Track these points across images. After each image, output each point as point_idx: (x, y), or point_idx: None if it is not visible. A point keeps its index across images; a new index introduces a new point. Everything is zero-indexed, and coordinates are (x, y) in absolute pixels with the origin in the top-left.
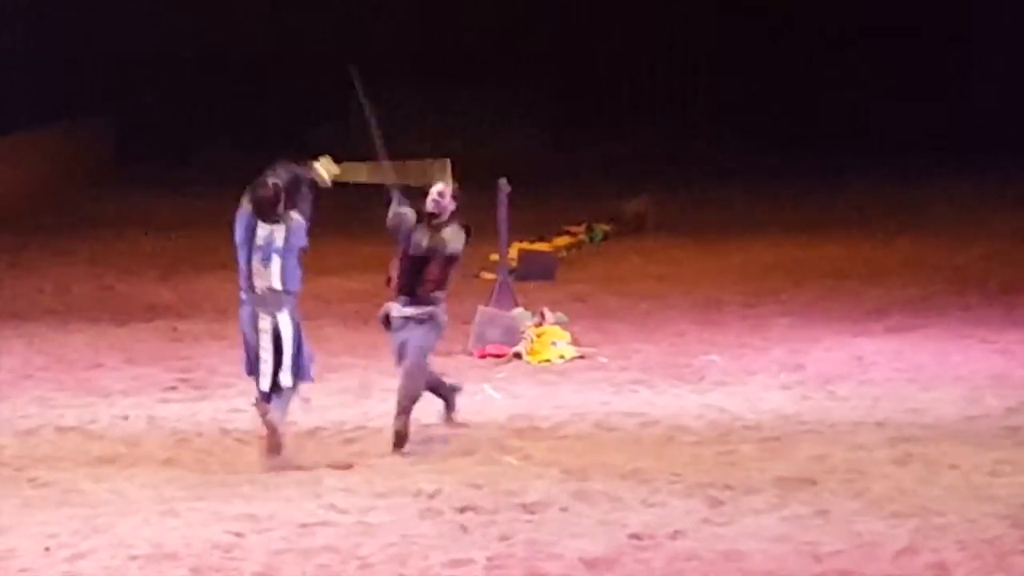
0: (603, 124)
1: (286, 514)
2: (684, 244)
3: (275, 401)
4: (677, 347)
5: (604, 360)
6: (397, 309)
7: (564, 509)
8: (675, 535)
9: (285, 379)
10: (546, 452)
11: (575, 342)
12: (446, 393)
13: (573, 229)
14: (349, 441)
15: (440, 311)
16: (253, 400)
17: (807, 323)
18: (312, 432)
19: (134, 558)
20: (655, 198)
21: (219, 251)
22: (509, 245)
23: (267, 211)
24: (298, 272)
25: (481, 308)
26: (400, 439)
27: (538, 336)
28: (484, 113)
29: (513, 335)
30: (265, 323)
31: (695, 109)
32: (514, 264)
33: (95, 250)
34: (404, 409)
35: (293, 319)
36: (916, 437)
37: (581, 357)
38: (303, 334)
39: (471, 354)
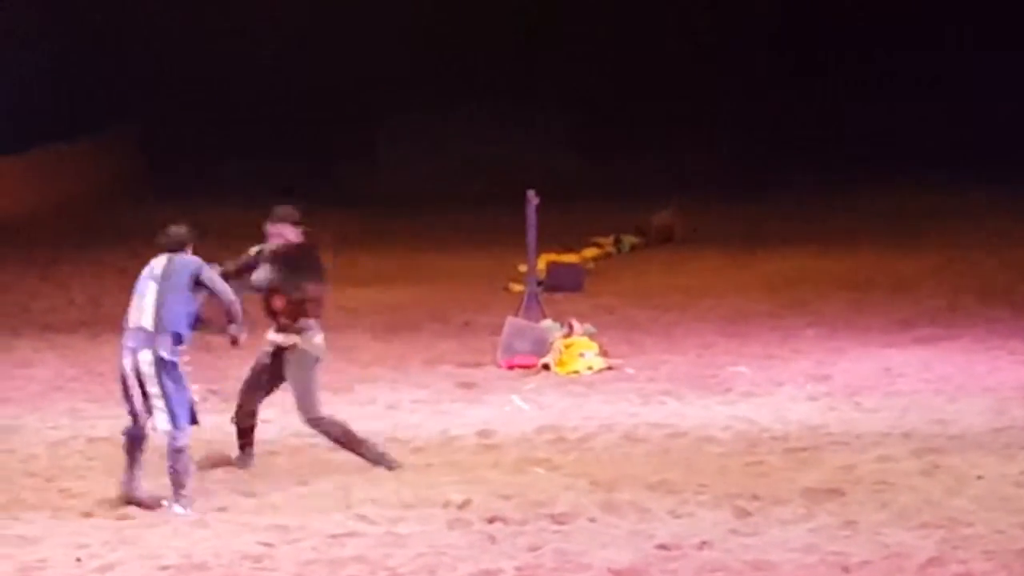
0: (631, 136)
1: (316, 525)
2: (711, 256)
3: (171, 465)
4: (704, 358)
5: (632, 371)
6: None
7: (592, 520)
8: (703, 546)
9: (160, 422)
10: (574, 463)
11: (603, 353)
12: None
13: (601, 241)
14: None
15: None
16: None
17: (834, 334)
18: None
19: (164, 568)
20: (683, 210)
21: None
22: (537, 257)
23: (167, 249)
24: (181, 316)
25: (510, 319)
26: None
27: (566, 347)
28: (513, 126)
29: (541, 346)
30: (127, 361)
31: (723, 121)
32: (542, 276)
33: (125, 262)
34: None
35: (159, 361)
36: (943, 448)
37: (609, 368)
38: (178, 379)
39: (500, 365)
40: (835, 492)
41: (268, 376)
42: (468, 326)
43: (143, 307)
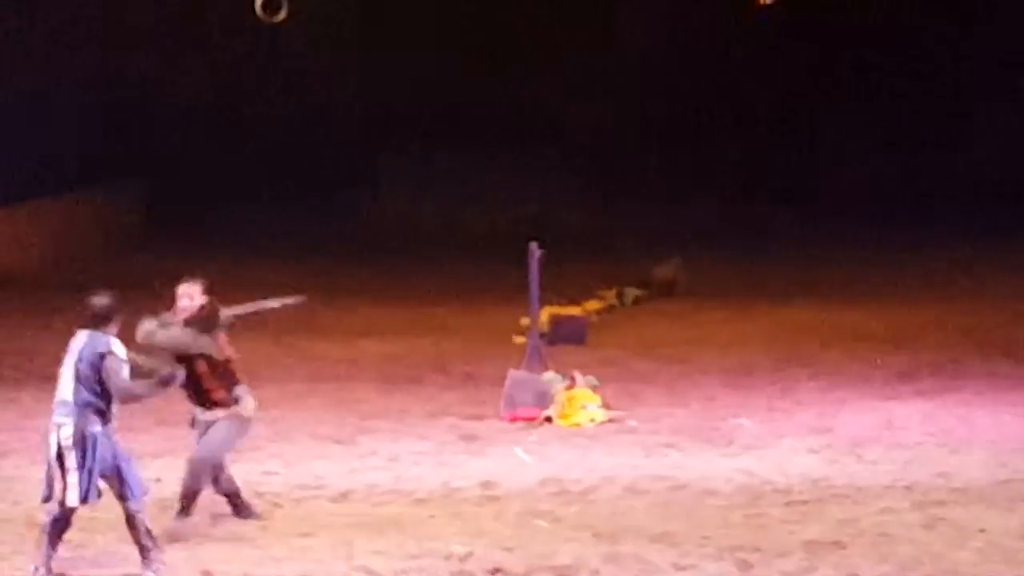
0: (634, 189)
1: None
2: (713, 308)
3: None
4: (707, 411)
5: (634, 424)
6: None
7: (595, 572)
8: None
9: (71, 497)
10: (577, 515)
11: (606, 405)
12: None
13: (604, 293)
14: (380, 504)
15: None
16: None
17: (836, 387)
18: (344, 494)
19: None
20: (685, 263)
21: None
22: (540, 309)
23: (90, 323)
24: (94, 387)
25: (512, 372)
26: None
27: (569, 399)
28: (515, 177)
29: (544, 399)
30: (52, 436)
31: (725, 175)
32: (545, 328)
33: (127, 312)
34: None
35: (81, 434)
36: (945, 501)
37: (611, 421)
38: (96, 453)
39: (502, 417)
40: (837, 545)
41: None
42: (470, 378)
43: (63, 379)
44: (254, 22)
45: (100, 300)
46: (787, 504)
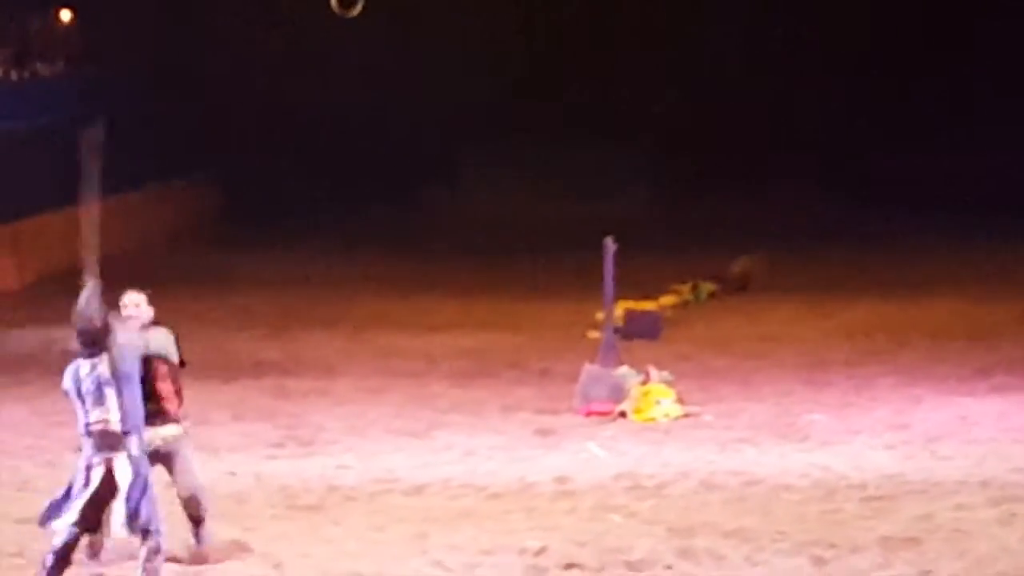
0: (709, 184)
1: (392, 571)
2: (789, 304)
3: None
4: (782, 406)
5: (709, 419)
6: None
7: (669, 567)
8: None
9: (118, 528)
10: (651, 510)
11: (680, 401)
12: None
13: (679, 288)
14: (455, 498)
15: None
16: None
17: (912, 383)
18: (418, 488)
19: None
20: (760, 258)
21: (326, 308)
22: (615, 304)
23: (91, 345)
24: (139, 403)
25: (587, 366)
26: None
27: (643, 394)
28: (591, 172)
29: (618, 393)
30: (99, 470)
31: (801, 170)
32: (620, 323)
33: (203, 308)
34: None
35: (135, 463)
36: (1020, 497)
37: (686, 416)
38: (147, 480)
39: (577, 412)
40: (912, 541)
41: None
42: (545, 373)
43: (107, 408)
44: (332, 16)
45: (91, 321)
46: (862, 500)
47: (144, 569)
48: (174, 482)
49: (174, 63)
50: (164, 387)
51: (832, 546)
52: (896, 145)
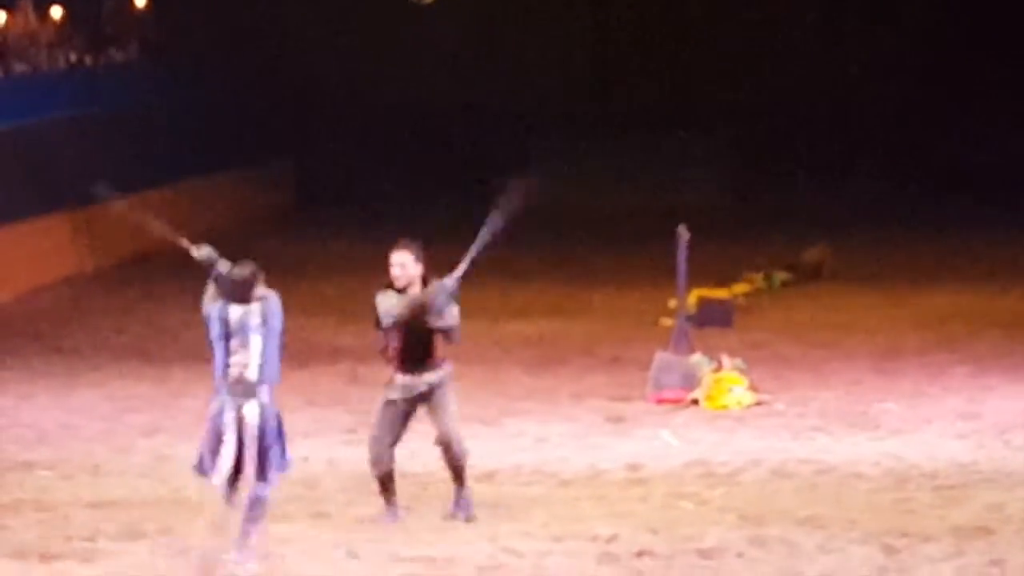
0: (782, 171)
1: (464, 557)
2: (861, 292)
3: (249, 513)
4: (854, 395)
5: (781, 407)
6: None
7: (740, 555)
8: None
9: (252, 482)
10: (723, 498)
11: (752, 388)
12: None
13: (751, 276)
14: (526, 484)
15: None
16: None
17: (985, 372)
18: (489, 475)
19: None
20: (833, 246)
21: None
22: (687, 292)
23: (242, 295)
24: (277, 360)
25: (659, 354)
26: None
27: (715, 382)
28: (664, 161)
29: (691, 381)
30: (230, 415)
31: (874, 156)
32: (692, 311)
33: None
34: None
35: (265, 411)
36: None
37: (758, 403)
38: (278, 428)
39: (649, 400)
40: (984, 530)
41: (405, 422)
42: (617, 360)
43: (249, 355)
44: (405, 5)
45: (243, 272)
46: (934, 489)
47: (246, 517)
48: (434, 427)
49: (249, 50)
50: (435, 336)
51: (904, 535)
52: (973, 134)
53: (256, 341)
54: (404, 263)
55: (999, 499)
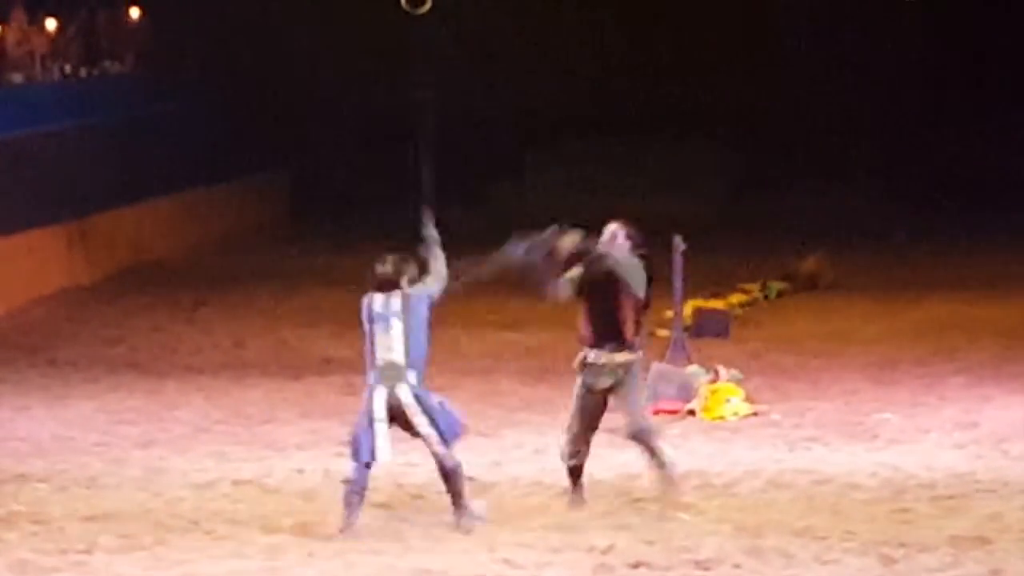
0: (777, 182)
1: (460, 568)
2: (858, 302)
3: (453, 485)
4: (851, 405)
5: (777, 417)
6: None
7: (737, 566)
8: None
9: (440, 448)
10: (719, 509)
11: (749, 399)
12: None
13: (747, 287)
14: (524, 496)
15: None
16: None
17: (982, 382)
18: (488, 487)
19: None
20: (829, 256)
21: None
22: (684, 302)
23: (385, 287)
24: (422, 348)
25: (655, 364)
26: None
27: (712, 393)
28: (658, 170)
29: (687, 392)
30: (380, 400)
31: (870, 167)
32: (689, 321)
33: (270, 305)
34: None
35: (415, 390)
36: None
37: (755, 414)
38: (439, 402)
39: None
40: (982, 540)
41: (601, 408)
42: None
43: (392, 339)
44: (399, 14)
45: (386, 267)
46: (932, 499)
47: (453, 490)
48: (617, 407)
49: (244, 62)
50: (624, 314)
51: (901, 545)
52: (969, 143)
53: (397, 326)
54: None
55: (997, 509)
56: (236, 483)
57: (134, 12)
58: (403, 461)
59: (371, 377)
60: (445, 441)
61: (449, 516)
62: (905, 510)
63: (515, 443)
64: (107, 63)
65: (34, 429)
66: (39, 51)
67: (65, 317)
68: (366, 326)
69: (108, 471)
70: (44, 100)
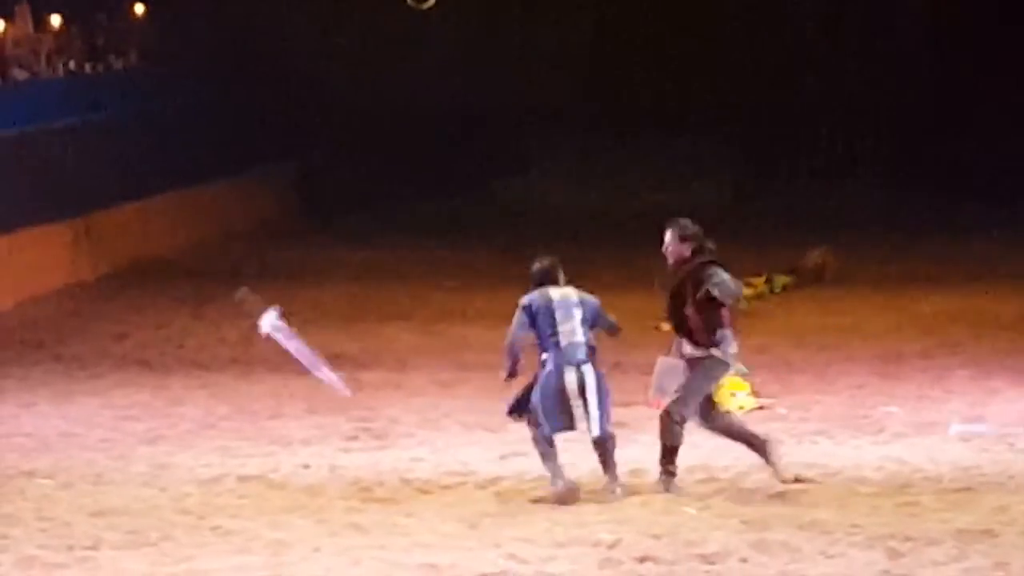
0: (783, 174)
1: (466, 563)
2: (864, 295)
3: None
4: (856, 398)
5: (783, 411)
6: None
7: (743, 560)
8: None
9: (595, 429)
10: (725, 502)
11: (755, 393)
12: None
13: (753, 280)
14: (529, 490)
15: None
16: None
17: (988, 375)
18: (492, 481)
19: None
20: (835, 249)
21: (398, 301)
22: None
23: (547, 280)
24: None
25: (661, 358)
26: None
27: (718, 387)
28: (665, 164)
29: None
30: (571, 375)
31: (876, 159)
32: None
33: (277, 300)
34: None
35: (596, 371)
36: None
37: (760, 408)
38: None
39: (650, 405)
40: (988, 533)
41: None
42: (618, 366)
43: (573, 322)
44: (405, 7)
45: (543, 263)
46: (938, 492)
47: (607, 460)
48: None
49: (249, 56)
50: (692, 319)
51: (907, 539)
52: (977, 136)
53: (577, 313)
54: None
55: (1003, 502)
56: (242, 479)
57: (138, 8)
58: (409, 456)
59: (554, 357)
60: (609, 420)
61: (456, 511)
62: (911, 503)
63: (520, 438)
64: (112, 59)
65: (40, 425)
66: (44, 48)
67: (70, 313)
68: (541, 316)
69: (114, 467)
70: (49, 96)
